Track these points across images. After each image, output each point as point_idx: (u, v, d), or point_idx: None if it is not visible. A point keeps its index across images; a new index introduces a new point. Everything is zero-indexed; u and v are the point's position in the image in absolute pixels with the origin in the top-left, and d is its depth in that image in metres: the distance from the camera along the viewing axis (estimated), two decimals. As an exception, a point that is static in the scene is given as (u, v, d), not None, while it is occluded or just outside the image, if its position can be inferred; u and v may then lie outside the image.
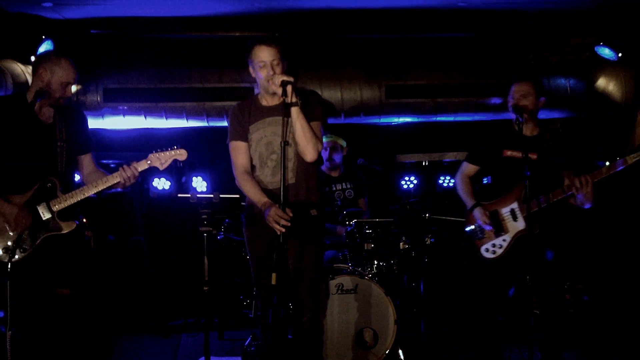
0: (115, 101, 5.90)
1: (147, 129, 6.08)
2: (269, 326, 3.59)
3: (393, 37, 6.42)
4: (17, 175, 3.63)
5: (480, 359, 4.41)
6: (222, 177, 6.18)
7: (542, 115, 4.25)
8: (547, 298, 4.12)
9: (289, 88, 3.51)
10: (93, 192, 3.72)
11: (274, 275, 3.39)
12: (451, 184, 6.45)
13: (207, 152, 6.28)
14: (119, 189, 3.88)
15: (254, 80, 3.78)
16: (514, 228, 4.11)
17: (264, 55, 3.63)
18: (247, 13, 5.74)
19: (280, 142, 3.48)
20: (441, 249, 6.11)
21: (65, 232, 3.66)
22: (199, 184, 6.43)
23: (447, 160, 6.54)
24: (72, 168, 3.81)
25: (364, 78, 6.02)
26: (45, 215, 3.63)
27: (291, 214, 3.42)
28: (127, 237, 6.23)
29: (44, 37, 5.42)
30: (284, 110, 3.53)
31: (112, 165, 5.94)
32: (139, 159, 3.76)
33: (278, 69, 3.63)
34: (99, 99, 5.88)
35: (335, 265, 4.87)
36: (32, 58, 5.26)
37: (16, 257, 3.56)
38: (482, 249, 4.20)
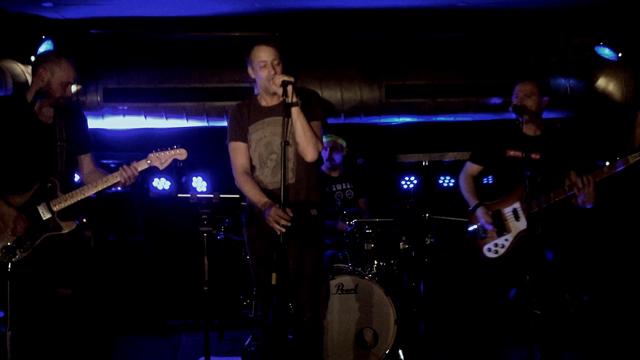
0: (115, 101, 5.89)
1: (147, 129, 6.08)
2: (269, 326, 3.59)
3: (393, 37, 6.42)
4: (17, 175, 3.63)
5: (480, 359, 4.41)
6: (222, 177, 6.18)
7: (542, 115, 4.25)
8: (547, 298, 4.13)
9: (290, 88, 3.51)
10: (93, 192, 3.72)
11: (274, 275, 3.39)
12: (451, 184, 6.45)
13: (207, 152, 6.28)
14: (119, 188, 3.88)
15: (253, 80, 3.78)
16: (516, 228, 4.11)
17: (265, 55, 3.63)
18: (247, 13, 5.74)
19: (281, 142, 3.49)
20: (441, 249, 6.11)
21: (65, 232, 3.66)
22: (199, 184, 6.43)
23: (447, 160, 6.54)
24: (72, 168, 3.81)
25: (364, 78, 6.02)
26: (46, 215, 3.63)
27: (291, 214, 3.42)
28: (127, 237, 6.23)
29: (44, 37, 5.42)
30: (284, 110, 3.52)
31: (112, 165, 5.94)
32: (139, 159, 3.76)
33: (279, 69, 3.63)
34: (99, 99, 5.88)
35: (335, 265, 4.87)
36: (32, 58, 5.26)
37: (16, 257, 3.56)
38: (485, 248, 4.20)
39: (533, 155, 4.10)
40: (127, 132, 6.17)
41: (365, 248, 4.94)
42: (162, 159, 3.78)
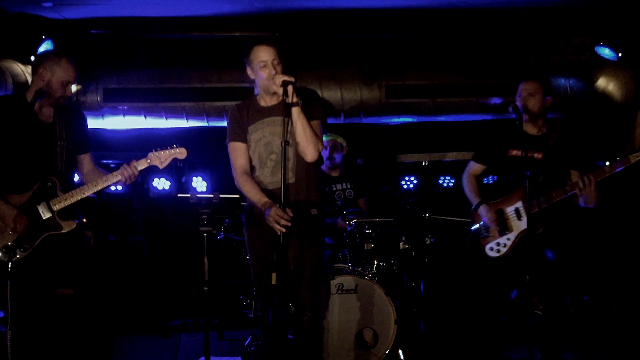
0: (115, 101, 5.89)
1: (147, 129, 6.08)
2: (269, 326, 3.59)
3: (393, 37, 6.42)
4: (17, 175, 3.63)
5: (480, 359, 4.41)
6: (222, 177, 6.18)
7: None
8: (547, 298, 4.13)
9: (290, 88, 3.51)
10: (93, 192, 3.72)
11: (274, 275, 3.39)
12: (451, 184, 6.45)
13: (207, 152, 6.27)
14: (120, 185, 3.88)
15: (252, 81, 3.78)
16: (518, 227, 4.12)
17: (265, 55, 3.63)
18: (247, 13, 5.74)
19: (281, 142, 3.49)
20: (441, 249, 6.11)
21: (65, 231, 3.66)
22: (199, 184, 6.43)
23: (447, 160, 6.53)
24: (71, 167, 3.81)
25: (364, 78, 6.02)
26: (46, 215, 3.63)
27: (291, 214, 3.42)
28: (127, 237, 6.23)
29: (44, 37, 5.42)
30: (284, 110, 3.52)
31: (112, 165, 5.93)
32: (138, 158, 3.77)
33: (279, 68, 3.64)
34: (99, 99, 5.88)
35: (335, 265, 4.87)
36: (32, 58, 5.26)
37: (17, 256, 3.56)
38: (487, 247, 4.21)
39: (535, 155, 4.11)
40: (127, 132, 6.16)
41: (365, 248, 4.94)
42: (161, 158, 3.79)
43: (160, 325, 5.88)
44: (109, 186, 3.79)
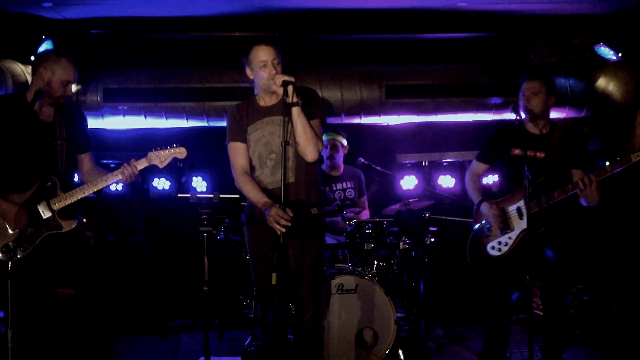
0: (115, 101, 5.89)
1: (147, 129, 6.08)
2: (269, 326, 3.59)
3: (393, 37, 6.42)
4: (17, 175, 3.63)
5: (480, 359, 4.41)
6: (222, 177, 6.18)
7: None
8: (547, 298, 4.13)
9: (290, 88, 3.51)
10: (93, 191, 3.72)
11: (274, 275, 3.39)
12: (451, 184, 6.45)
13: (207, 152, 6.28)
14: (121, 183, 3.88)
15: (251, 81, 3.78)
16: (519, 226, 4.12)
17: (264, 55, 3.63)
18: (247, 13, 5.74)
19: (281, 142, 3.49)
20: (441, 249, 6.11)
21: (65, 230, 3.66)
22: (199, 184, 6.43)
23: (447, 160, 6.53)
24: (71, 167, 3.81)
25: (364, 78, 6.02)
26: (46, 214, 3.64)
27: (291, 214, 3.42)
28: (127, 237, 6.23)
29: (44, 37, 5.43)
30: (284, 110, 3.52)
31: (112, 165, 5.93)
32: (138, 158, 3.77)
33: (279, 68, 3.64)
34: (99, 99, 5.88)
35: (335, 265, 4.88)
36: (32, 58, 5.26)
37: (17, 256, 3.56)
38: (488, 246, 4.21)
39: (538, 154, 4.10)
40: (127, 132, 6.17)
41: (365, 248, 4.94)
42: (161, 157, 3.79)
43: (160, 325, 5.88)
44: (109, 185, 3.79)
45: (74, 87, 3.76)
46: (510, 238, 4.14)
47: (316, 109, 3.75)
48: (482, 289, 4.31)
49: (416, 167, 6.49)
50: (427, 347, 5.19)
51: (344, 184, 5.73)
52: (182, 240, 6.65)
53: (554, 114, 6.08)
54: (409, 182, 6.30)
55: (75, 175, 3.92)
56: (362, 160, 5.77)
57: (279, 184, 3.48)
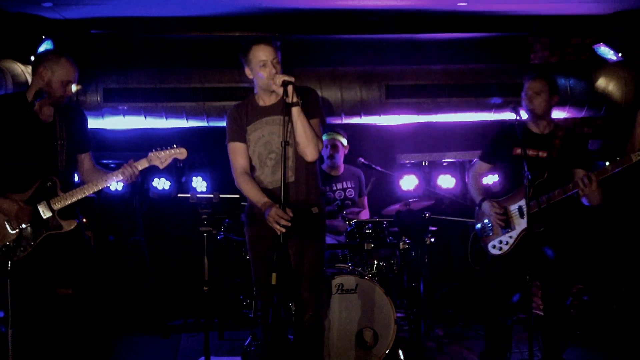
0: (115, 101, 5.89)
1: (147, 129, 6.08)
2: (269, 326, 3.59)
3: (393, 37, 6.42)
4: (17, 175, 3.63)
5: (481, 359, 4.41)
6: (222, 177, 6.18)
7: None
8: (548, 298, 4.13)
9: (290, 88, 3.51)
10: (93, 191, 3.72)
11: (273, 275, 3.39)
12: (451, 184, 6.45)
13: (207, 152, 6.28)
14: (121, 183, 3.88)
15: (251, 80, 3.78)
16: (520, 225, 4.12)
17: (264, 54, 3.63)
18: (247, 13, 5.74)
19: (281, 142, 3.49)
20: (441, 249, 6.11)
21: (65, 230, 3.66)
22: (199, 184, 6.42)
23: (447, 160, 6.54)
24: (72, 167, 3.81)
25: (364, 78, 6.02)
26: (46, 214, 3.63)
27: (291, 214, 3.42)
28: (127, 237, 6.22)
29: (44, 37, 5.42)
30: (284, 110, 3.52)
31: (112, 165, 5.93)
32: (139, 158, 3.77)
33: (279, 67, 3.64)
34: (99, 99, 5.88)
35: (335, 265, 4.88)
36: (32, 58, 5.26)
37: (17, 256, 3.56)
38: (489, 245, 4.22)
39: (540, 154, 4.11)
40: (127, 132, 6.16)
41: (365, 248, 4.94)
42: (162, 158, 3.79)
43: (160, 325, 5.88)
44: (109, 185, 3.79)
45: (74, 87, 3.76)
46: (511, 237, 4.15)
47: (316, 109, 3.75)
48: (483, 289, 4.30)
49: (416, 167, 6.48)
50: (427, 347, 5.19)
51: (344, 183, 5.73)
52: (182, 240, 6.65)
53: (553, 114, 6.09)
54: (409, 182, 6.30)
55: (75, 175, 3.92)
56: (362, 160, 5.77)
57: (279, 183, 3.48)
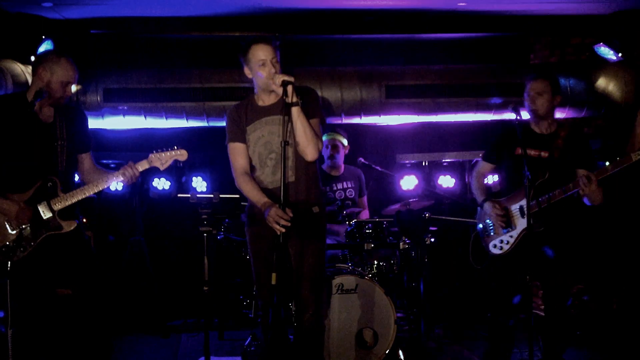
0: (115, 101, 5.89)
1: (147, 129, 6.08)
2: (269, 326, 3.59)
3: (393, 37, 6.42)
4: (18, 175, 3.63)
5: (481, 359, 4.41)
6: (222, 177, 6.18)
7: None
8: (548, 298, 4.13)
9: (290, 88, 3.51)
10: (94, 192, 3.72)
11: (274, 275, 3.39)
12: (451, 184, 6.45)
13: (207, 152, 6.28)
14: (121, 183, 3.88)
15: (250, 80, 3.78)
16: (521, 225, 4.12)
17: (263, 53, 3.63)
18: (247, 13, 5.74)
19: (280, 142, 3.49)
20: (441, 249, 6.11)
21: (65, 231, 3.66)
22: (199, 184, 6.43)
23: (447, 160, 6.54)
24: (72, 167, 3.81)
25: (364, 78, 6.01)
26: (46, 215, 3.63)
27: (291, 214, 3.42)
28: (127, 237, 6.22)
29: (44, 37, 5.42)
30: (284, 110, 3.53)
31: (112, 165, 5.94)
32: (139, 159, 3.77)
33: (278, 66, 3.64)
34: (99, 99, 5.88)
35: (335, 265, 4.88)
36: (32, 58, 5.26)
37: (17, 256, 3.56)
38: (490, 245, 4.22)
39: (542, 154, 4.10)
40: (127, 132, 6.16)
41: (365, 248, 4.94)
42: (162, 159, 3.80)
43: (160, 325, 5.88)
44: (109, 186, 3.80)
45: (74, 87, 3.76)
46: (511, 237, 4.15)
47: (316, 109, 3.75)
48: (484, 289, 4.30)
49: (416, 167, 6.49)
50: (427, 347, 5.19)
51: (345, 183, 5.73)
52: (182, 240, 6.65)
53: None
54: (409, 182, 6.30)
55: (76, 175, 3.92)
56: (362, 160, 5.78)
57: (280, 183, 3.48)
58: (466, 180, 6.45)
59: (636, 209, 5.61)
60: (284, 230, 3.40)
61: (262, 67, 3.64)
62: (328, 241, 5.13)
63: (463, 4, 5.56)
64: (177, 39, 6.40)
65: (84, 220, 5.19)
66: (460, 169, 6.53)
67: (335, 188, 5.70)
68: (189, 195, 4.49)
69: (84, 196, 3.69)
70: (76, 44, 5.77)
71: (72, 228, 3.68)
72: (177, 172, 6.42)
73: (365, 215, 5.72)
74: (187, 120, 6.00)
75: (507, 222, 4.16)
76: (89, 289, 3.70)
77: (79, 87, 5.76)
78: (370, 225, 5.11)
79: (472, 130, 6.40)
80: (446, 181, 6.47)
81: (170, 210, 6.63)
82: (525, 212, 4.04)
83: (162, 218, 6.73)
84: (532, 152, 4.07)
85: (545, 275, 4.10)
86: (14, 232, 3.59)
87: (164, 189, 6.36)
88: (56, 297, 3.72)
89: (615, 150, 5.84)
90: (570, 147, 4.11)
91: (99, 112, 5.91)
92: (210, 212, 4.38)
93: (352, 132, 6.05)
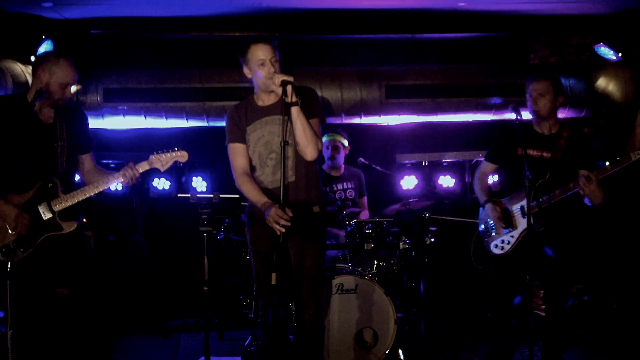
0: (115, 101, 5.89)
1: (147, 129, 6.08)
2: (269, 326, 3.59)
3: (393, 37, 6.42)
4: (18, 176, 3.63)
5: (481, 359, 4.42)
6: (222, 177, 6.18)
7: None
8: (548, 298, 4.13)
9: (289, 88, 3.51)
10: (94, 193, 3.72)
11: (273, 275, 3.39)
12: (451, 184, 6.45)
13: (207, 152, 6.27)
14: (121, 184, 3.88)
15: (249, 80, 3.78)
16: (522, 225, 4.12)
17: (262, 53, 3.63)
18: (247, 13, 5.74)
19: (280, 142, 3.49)
20: (441, 249, 6.11)
21: (66, 232, 3.66)
22: (199, 184, 6.42)
23: (447, 160, 6.54)
24: (72, 168, 3.81)
25: (364, 78, 6.01)
26: (46, 215, 3.63)
27: (291, 214, 3.42)
28: (127, 237, 6.22)
29: (44, 37, 5.42)
30: (283, 109, 3.53)
31: (112, 165, 5.94)
32: (139, 159, 3.77)
33: (277, 66, 3.64)
34: (99, 99, 5.88)
35: (335, 265, 4.87)
36: (32, 58, 5.26)
37: (17, 256, 3.56)
38: (492, 245, 4.23)
39: (544, 154, 4.10)
40: (127, 132, 6.16)
41: (365, 248, 4.94)
42: (163, 160, 3.80)
43: (160, 325, 5.88)
44: (109, 187, 3.80)
45: (73, 88, 3.75)
46: (512, 236, 4.15)
47: (315, 108, 3.75)
48: (484, 289, 4.31)
49: (416, 167, 6.49)
50: (427, 347, 5.19)
51: (345, 184, 5.73)
52: (182, 240, 6.65)
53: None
54: (409, 182, 6.30)
55: (76, 175, 3.92)
56: (362, 160, 5.78)
57: (280, 183, 3.48)
58: (466, 180, 6.45)
59: (636, 209, 5.61)
60: (284, 230, 3.40)
61: (261, 66, 3.64)
62: (328, 241, 5.14)
63: (463, 3, 5.56)
64: (177, 39, 6.40)
65: (84, 220, 5.19)
66: (460, 169, 6.52)
67: (335, 188, 5.69)
68: (189, 195, 4.49)
69: (84, 197, 3.69)
70: (76, 44, 5.76)
71: (72, 229, 3.68)
72: (177, 172, 6.41)
73: (365, 215, 5.71)
74: (187, 120, 6.00)
75: (508, 222, 4.17)
76: (89, 289, 3.70)
77: (79, 87, 5.77)
78: (370, 225, 5.11)
79: (472, 130, 6.39)
80: (446, 181, 6.46)
81: (170, 210, 6.63)
82: (526, 212, 4.05)
83: (162, 218, 6.73)
84: (534, 153, 4.07)
85: (545, 275, 4.10)
86: (14, 232, 3.59)
87: (164, 189, 6.36)
88: (56, 297, 3.72)
89: (615, 150, 5.84)
90: (573, 148, 4.11)
91: (99, 112, 5.91)
92: (210, 212, 4.38)
93: (352, 132, 6.05)
